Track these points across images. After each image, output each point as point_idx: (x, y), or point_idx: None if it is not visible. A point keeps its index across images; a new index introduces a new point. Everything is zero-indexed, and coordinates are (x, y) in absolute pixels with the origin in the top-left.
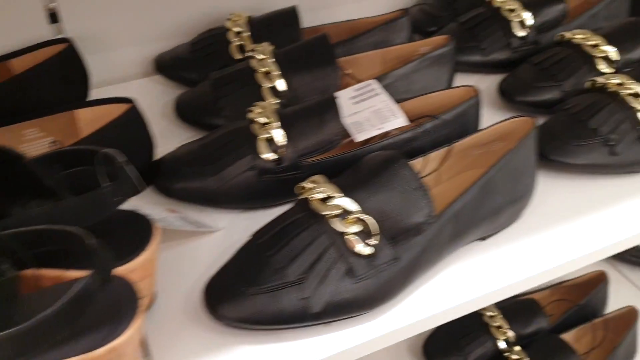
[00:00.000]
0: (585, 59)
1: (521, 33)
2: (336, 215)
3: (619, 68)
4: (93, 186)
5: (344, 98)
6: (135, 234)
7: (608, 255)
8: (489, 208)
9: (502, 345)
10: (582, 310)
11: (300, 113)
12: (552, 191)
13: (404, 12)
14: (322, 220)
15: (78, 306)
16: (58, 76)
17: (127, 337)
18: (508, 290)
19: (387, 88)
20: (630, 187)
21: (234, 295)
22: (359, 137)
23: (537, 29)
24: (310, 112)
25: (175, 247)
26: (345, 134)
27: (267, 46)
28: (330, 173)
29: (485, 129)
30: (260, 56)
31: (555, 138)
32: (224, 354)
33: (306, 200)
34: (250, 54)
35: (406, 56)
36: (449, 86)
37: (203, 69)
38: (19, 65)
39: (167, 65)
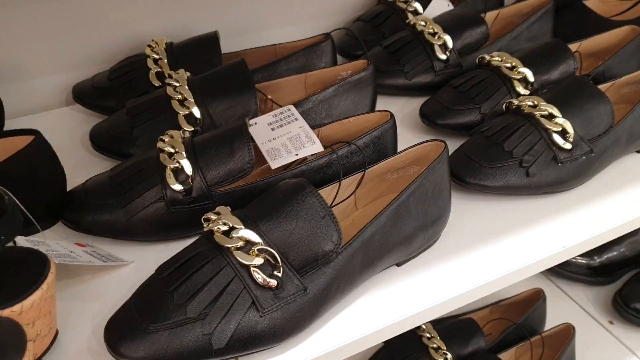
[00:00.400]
0: (503, 81)
1: (443, 56)
2: (240, 248)
3: (537, 89)
4: None
5: (263, 124)
6: (29, 273)
7: (527, 276)
8: (402, 233)
9: None
10: (520, 328)
11: (210, 141)
12: (469, 214)
13: (327, 36)
14: (226, 252)
15: None
16: None
17: None
18: (423, 315)
19: (308, 113)
20: (547, 208)
21: (135, 333)
22: (274, 164)
23: (459, 51)
24: (220, 139)
25: (82, 283)
26: (260, 161)
27: (183, 73)
28: (243, 202)
29: (398, 153)
30: (176, 83)
31: (471, 161)
32: None
33: (210, 232)
34: (167, 81)
35: (328, 80)
36: (371, 110)
37: (122, 98)
38: None
39: (85, 94)
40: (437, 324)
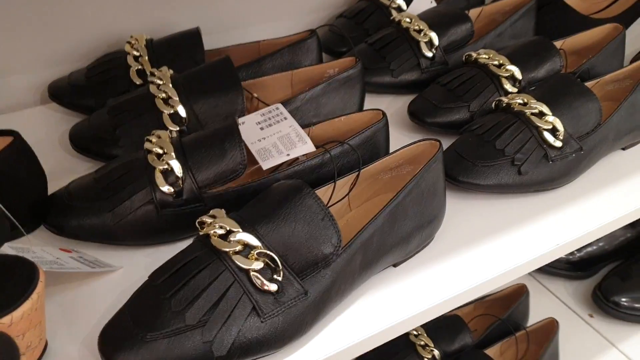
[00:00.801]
0: (491, 79)
1: (429, 53)
2: (238, 252)
3: (524, 87)
4: None
5: (250, 123)
6: (17, 283)
7: (521, 275)
8: (399, 234)
9: None
10: (505, 324)
11: (200, 141)
12: (461, 212)
13: (312, 32)
14: (224, 257)
15: None
16: None
17: None
18: (423, 315)
19: (296, 112)
20: (537, 206)
21: (131, 342)
22: (266, 164)
23: (444, 49)
24: (210, 140)
25: (70, 291)
26: (251, 162)
27: (166, 70)
28: (235, 204)
29: (392, 153)
30: (159, 81)
31: (463, 159)
32: None
33: (206, 236)
34: (149, 78)
35: (314, 78)
36: (360, 108)
37: (101, 96)
38: None
39: (61, 93)
40: None
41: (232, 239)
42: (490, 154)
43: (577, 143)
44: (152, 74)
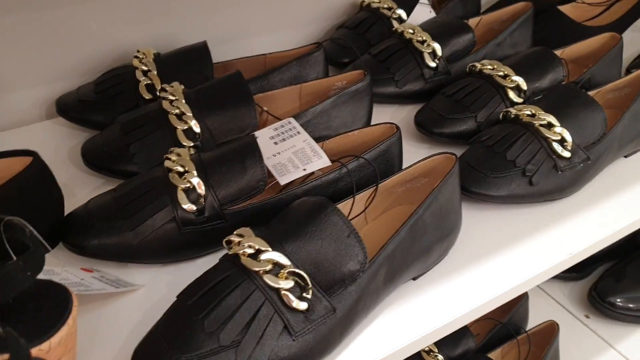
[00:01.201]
0: (496, 89)
1: (433, 64)
2: (268, 271)
3: (529, 97)
4: None
5: (264, 138)
6: (52, 308)
7: (535, 285)
8: (420, 247)
9: None
10: (506, 327)
11: (220, 158)
12: (474, 223)
13: (319, 45)
14: (254, 276)
15: None
16: None
17: None
18: (445, 328)
19: (307, 125)
20: (547, 216)
21: None
22: (283, 180)
23: (447, 59)
24: (230, 157)
25: (94, 311)
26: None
27: (177, 86)
28: (255, 220)
29: (408, 167)
30: (172, 97)
31: (474, 170)
32: None
33: (235, 255)
34: (160, 94)
35: (323, 91)
36: (368, 120)
37: (109, 111)
38: None
39: (70, 108)
40: None
41: (262, 258)
42: (501, 165)
43: (585, 153)
44: (164, 90)
